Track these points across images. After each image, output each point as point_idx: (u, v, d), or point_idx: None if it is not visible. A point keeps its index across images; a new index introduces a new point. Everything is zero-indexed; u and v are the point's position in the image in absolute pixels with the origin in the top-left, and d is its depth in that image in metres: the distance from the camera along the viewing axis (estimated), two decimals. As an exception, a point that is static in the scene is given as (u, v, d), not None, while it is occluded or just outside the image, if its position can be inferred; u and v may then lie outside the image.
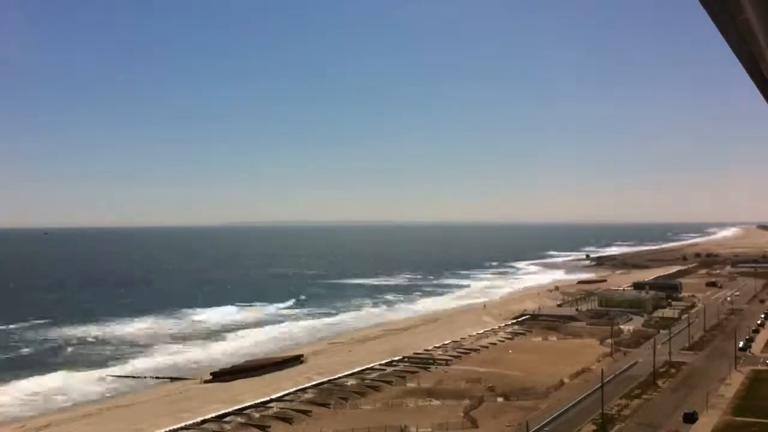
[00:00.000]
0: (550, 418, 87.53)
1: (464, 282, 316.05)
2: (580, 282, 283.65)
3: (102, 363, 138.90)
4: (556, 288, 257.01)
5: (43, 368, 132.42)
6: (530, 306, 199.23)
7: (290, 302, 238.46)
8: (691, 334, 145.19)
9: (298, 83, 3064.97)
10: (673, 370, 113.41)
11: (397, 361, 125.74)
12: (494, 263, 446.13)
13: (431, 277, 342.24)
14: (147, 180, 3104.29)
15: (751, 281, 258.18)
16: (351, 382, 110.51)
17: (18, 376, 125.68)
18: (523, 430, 79.85)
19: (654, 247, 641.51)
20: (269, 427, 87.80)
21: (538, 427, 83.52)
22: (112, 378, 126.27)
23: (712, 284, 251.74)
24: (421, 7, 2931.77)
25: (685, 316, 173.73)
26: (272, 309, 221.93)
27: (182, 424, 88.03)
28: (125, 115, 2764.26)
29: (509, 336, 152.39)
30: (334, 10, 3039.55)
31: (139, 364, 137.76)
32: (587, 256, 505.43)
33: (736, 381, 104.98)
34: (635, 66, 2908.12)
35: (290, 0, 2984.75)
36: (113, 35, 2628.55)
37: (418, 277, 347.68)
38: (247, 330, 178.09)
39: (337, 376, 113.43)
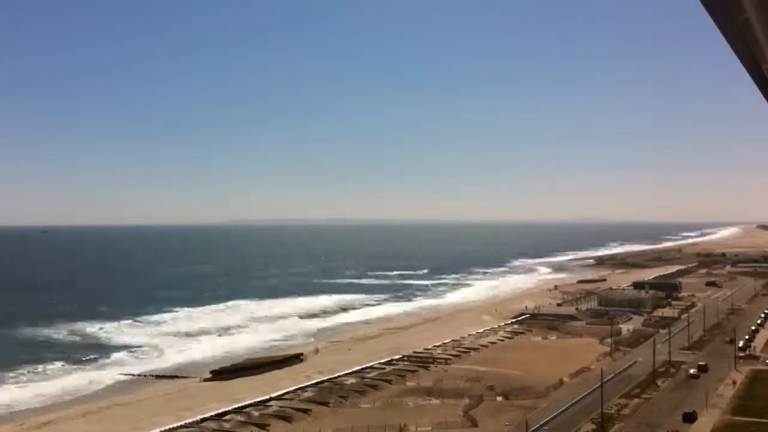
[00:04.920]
0: (550, 417, 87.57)
1: (464, 281, 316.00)
2: (580, 281, 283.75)
3: (102, 361, 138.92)
4: (556, 287, 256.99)
5: (42, 367, 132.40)
6: (530, 305, 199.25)
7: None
8: (691, 333, 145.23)
9: (297, 82, 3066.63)
10: (672, 370, 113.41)
11: (397, 359, 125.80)
12: (494, 262, 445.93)
13: (430, 276, 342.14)
14: (147, 179, 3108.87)
15: (751, 281, 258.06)
16: (351, 380, 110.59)
17: (17, 375, 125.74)
18: (523, 429, 79.85)
19: (654, 247, 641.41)
20: (269, 425, 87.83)
21: (537, 426, 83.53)
22: (112, 376, 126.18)
23: (712, 284, 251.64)
24: (424, 9, 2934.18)
25: (685, 315, 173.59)
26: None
27: (182, 423, 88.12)
28: (125, 114, 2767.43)
29: (509, 335, 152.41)
30: (331, 3, 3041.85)
31: (138, 361, 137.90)
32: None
33: (735, 381, 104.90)
34: (635, 66, 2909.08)
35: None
36: (113, 35, 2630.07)
37: (418, 276, 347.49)
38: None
39: (336, 375, 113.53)
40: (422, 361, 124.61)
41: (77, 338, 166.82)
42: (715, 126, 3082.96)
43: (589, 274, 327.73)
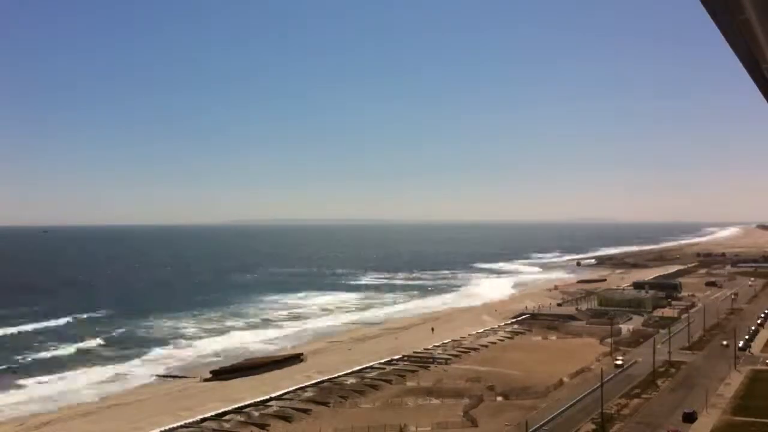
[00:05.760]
0: (550, 417, 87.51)
1: (463, 281, 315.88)
2: (580, 281, 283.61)
3: (103, 361, 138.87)
4: (556, 287, 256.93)
5: (42, 366, 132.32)
6: (530, 305, 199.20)
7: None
8: (691, 333, 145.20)
9: (297, 82, 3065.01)
10: (672, 370, 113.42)
11: (397, 359, 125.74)
12: (494, 262, 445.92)
13: (430, 276, 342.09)
14: (147, 179, 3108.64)
15: (752, 281, 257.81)
16: (351, 380, 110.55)
17: (17, 375, 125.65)
18: (523, 429, 79.82)
19: (654, 247, 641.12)
20: (269, 425, 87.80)
21: (537, 426, 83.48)
22: (112, 376, 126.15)
23: (712, 284, 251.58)
24: (424, 9, 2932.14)
25: (685, 315, 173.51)
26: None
27: (182, 423, 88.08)
28: (125, 114, 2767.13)
29: (509, 335, 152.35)
30: (331, 3, 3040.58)
31: (139, 361, 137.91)
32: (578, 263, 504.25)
33: (735, 381, 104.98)
34: (635, 65, 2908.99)
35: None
36: (113, 35, 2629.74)
37: (418, 276, 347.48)
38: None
39: (336, 375, 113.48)
40: (422, 361, 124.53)
41: (77, 338, 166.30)
42: (715, 126, 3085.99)
43: (589, 274, 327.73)
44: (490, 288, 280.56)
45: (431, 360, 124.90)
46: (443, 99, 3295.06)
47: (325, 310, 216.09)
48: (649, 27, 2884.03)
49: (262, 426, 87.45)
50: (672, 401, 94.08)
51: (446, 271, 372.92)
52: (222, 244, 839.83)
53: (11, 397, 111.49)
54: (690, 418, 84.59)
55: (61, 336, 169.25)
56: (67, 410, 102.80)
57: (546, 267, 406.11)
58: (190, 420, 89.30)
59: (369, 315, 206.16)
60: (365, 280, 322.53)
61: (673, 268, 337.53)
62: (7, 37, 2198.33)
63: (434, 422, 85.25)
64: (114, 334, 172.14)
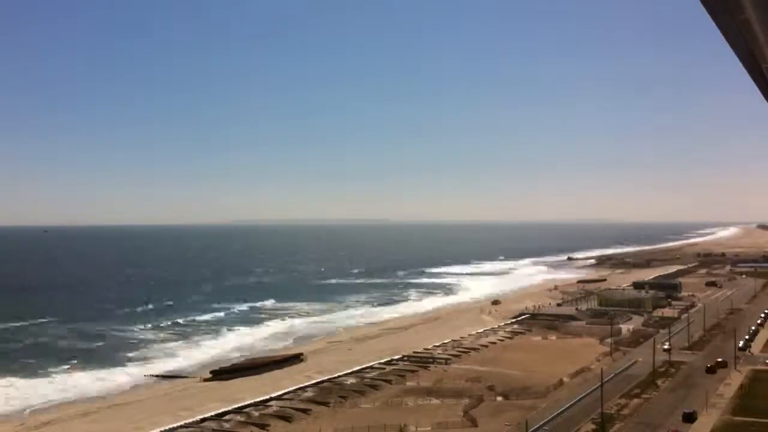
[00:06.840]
0: (550, 417, 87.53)
1: (463, 281, 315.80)
2: (580, 281, 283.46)
3: (103, 361, 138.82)
4: (556, 287, 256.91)
5: (42, 367, 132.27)
6: (530, 305, 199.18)
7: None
8: (691, 333, 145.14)
9: (296, 82, 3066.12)
10: (672, 370, 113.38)
11: (397, 359, 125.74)
12: (494, 262, 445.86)
13: (430, 276, 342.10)
14: (147, 179, 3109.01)
15: (751, 281, 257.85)
16: (350, 380, 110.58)
17: (17, 375, 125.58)
18: (523, 429, 79.81)
19: (654, 247, 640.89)
20: (269, 425, 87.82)
21: (537, 426, 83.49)
22: (112, 376, 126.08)
23: (712, 284, 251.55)
24: (424, 9, 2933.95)
25: (685, 315, 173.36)
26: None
27: (182, 423, 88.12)
28: (125, 115, 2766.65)
29: (509, 335, 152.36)
30: (331, 3, 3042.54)
31: (138, 361, 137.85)
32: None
33: (735, 381, 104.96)
34: (635, 66, 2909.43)
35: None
36: (112, 35, 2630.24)
37: (418, 275, 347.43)
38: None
39: (336, 375, 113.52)
40: (422, 361, 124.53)
41: (77, 338, 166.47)
42: (715, 126, 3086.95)
43: (589, 274, 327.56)
44: (490, 288, 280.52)
45: (431, 360, 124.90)
46: (443, 98, 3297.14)
47: (325, 310, 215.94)
48: (649, 27, 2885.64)
49: (262, 426, 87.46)
50: (672, 401, 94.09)
51: (446, 271, 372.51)
52: (222, 244, 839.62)
53: (11, 397, 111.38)
54: (690, 418, 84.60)
55: (61, 336, 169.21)
56: (67, 410, 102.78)
57: (546, 267, 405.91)
58: (190, 420, 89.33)
59: (369, 315, 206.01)
60: (365, 281, 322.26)
61: (673, 268, 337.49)
62: (7, 37, 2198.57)
63: (434, 422, 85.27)
64: (113, 334, 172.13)
